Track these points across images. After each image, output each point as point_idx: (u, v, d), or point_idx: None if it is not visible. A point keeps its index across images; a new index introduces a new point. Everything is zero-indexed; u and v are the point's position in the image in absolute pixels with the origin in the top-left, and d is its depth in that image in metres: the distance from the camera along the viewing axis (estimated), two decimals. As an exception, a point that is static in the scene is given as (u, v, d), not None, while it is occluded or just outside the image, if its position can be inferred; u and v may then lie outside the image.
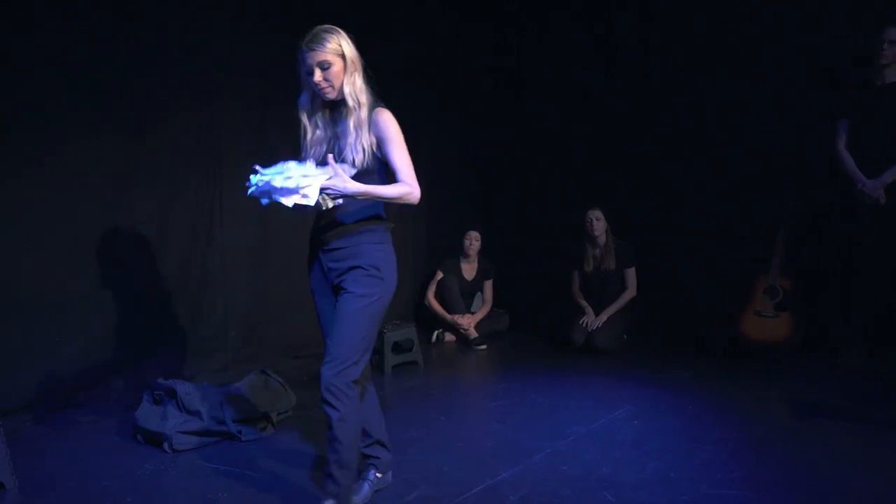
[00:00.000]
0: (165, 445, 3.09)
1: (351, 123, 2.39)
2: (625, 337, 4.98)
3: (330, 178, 2.21)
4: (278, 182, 2.17)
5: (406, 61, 5.42)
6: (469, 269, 5.47)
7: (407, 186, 2.43)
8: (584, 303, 5.01)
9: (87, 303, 3.71)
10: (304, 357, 4.75)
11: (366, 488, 2.64)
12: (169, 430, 3.09)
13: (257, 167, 2.26)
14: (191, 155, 4.17)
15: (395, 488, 2.68)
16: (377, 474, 2.69)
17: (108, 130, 3.79)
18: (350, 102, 2.38)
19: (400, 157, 2.46)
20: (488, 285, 5.47)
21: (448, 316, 5.27)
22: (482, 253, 5.49)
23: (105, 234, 3.78)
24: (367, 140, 2.40)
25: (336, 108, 2.45)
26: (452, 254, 5.49)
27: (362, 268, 2.40)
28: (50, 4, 3.51)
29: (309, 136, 2.47)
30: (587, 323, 4.85)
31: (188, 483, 2.77)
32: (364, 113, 2.40)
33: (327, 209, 2.29)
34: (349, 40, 2.39)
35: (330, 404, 2.35)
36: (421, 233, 5.79)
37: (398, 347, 4.63)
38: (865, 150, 4.07)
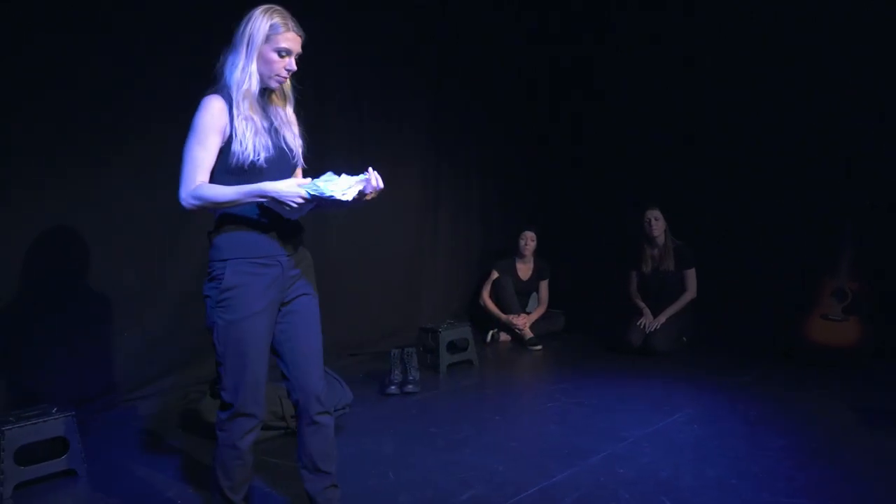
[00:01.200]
0: (227, 438, 3.16)
1: (289, 112, 2.23)
2: (684, 339, 4.88)
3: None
4: (328, 188, 2.03)
5: (465, 62, 5.46)
6: (524, 269, 5.44)
7: None
8: (641, 304, 4.93)
9: (151, 299, 3.83)
10: (360, 355, 4.81)
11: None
12: (230, 423, 3.16)
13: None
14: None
15: (449, 487, 2.69)
16: None
17: (169, 130, 3.90)
18: (287, 91, 2.21)
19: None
20: (544, 285, 5.43)
21: (503, 316, 5.26)
22: (538, 253, 5.46)
23: (166, 234, 3.89)
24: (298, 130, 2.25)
25: (263, 97, 2.18)
26: (508, 254, 5.48)
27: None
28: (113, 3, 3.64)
29: (252, 128, 2.09)
30: (645, 324, 4.78)
31: (248, 476, 2.83)
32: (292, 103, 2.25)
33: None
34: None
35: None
36: (476, 233, 5.79)
37: (453, 346, 4.64)
38: None
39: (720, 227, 5.13)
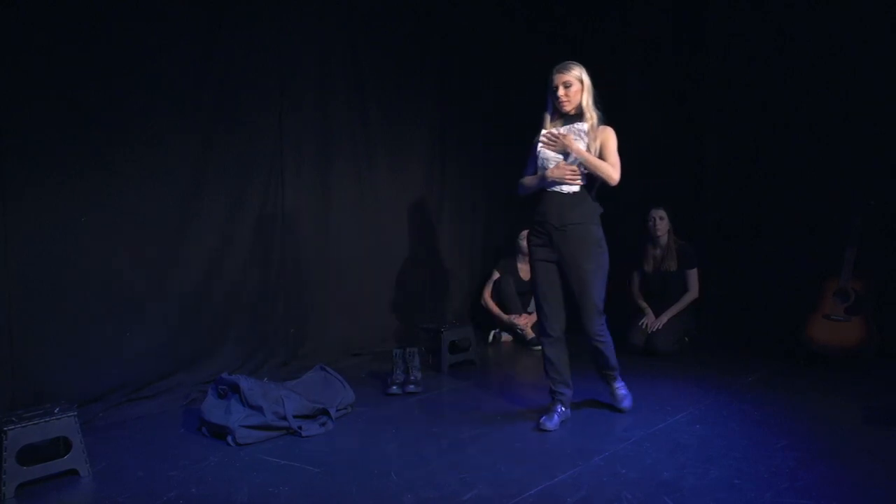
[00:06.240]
0: (229, 439, 3.17)
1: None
2: (686, 339, 4.88)
3: None
4: None
5: (471, 61, 5.46)
6: (526, 269, 5.43)
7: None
8: (643, 304, 4.93)
9: (156, 300, 3.83)
10: (362, 355, 4.81)
11: (556, 419, 3.33)
12: (233, 423, 3.17)
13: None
14: (256, 158, 4.28)
15: (452, 487, 2.68)
16: (562, 408, 3.39)
17: (182, 132, 3.92)
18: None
19: None
20: (546, 285, 5.42)
21: (505, 316, 5.26)
22: (539, 253, 5.44)
23: (173, 234, 3.91)
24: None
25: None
26: (509, 253, 5.48)
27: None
28: (128, 9, 3.66)
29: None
30: (647, 324, 4.77)
31: (250, 476, 2.83)
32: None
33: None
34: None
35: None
36: (477, 232, 5.79)
37: (455, 347, 4.64)
38: None
39: (723, 226, 5.12)
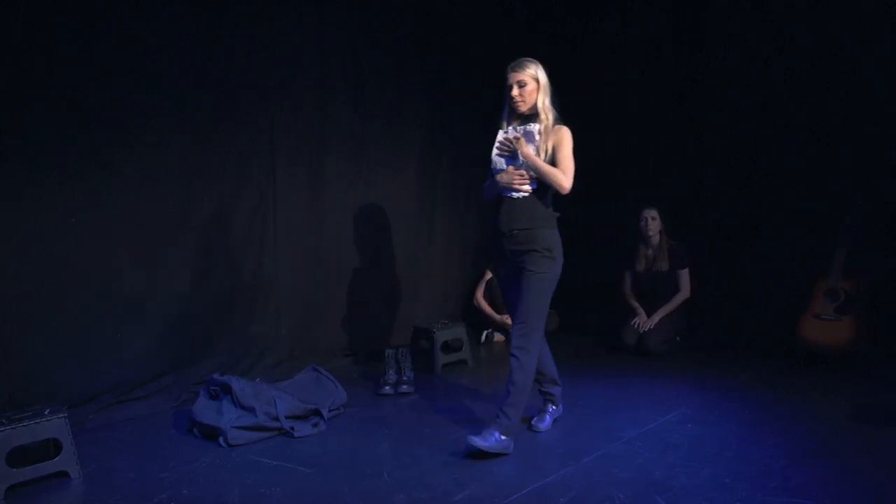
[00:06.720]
0: (221, 440, 3.16)
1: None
2: (678, 339, 4.89)
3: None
4: None
5: (466, 61, 5.45)
6: (518, 269, 5.44)
7: None
8: (635, 304, 4.94)
9: (147, 301, 3.81)
10: (354, 355, 4.81)
11: (547, 419, 3.33)
12: (224, 424, 3.16)
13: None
14: (249, 159, 4.27)
15: (444, 487, 2.69)
16: (553, 407, 3.38)
17: (182, 132, 3.92)
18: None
19: None
20: (538, 285, 5.43)
21: (497, 316, 5.26)
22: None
23: (165, 234, 3.89)
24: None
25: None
26: (502, 253, 5.47)
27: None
28: (128, 9, 3.65)
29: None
30: (639, 324, 4.79)
31: (242, 477, 2.83)
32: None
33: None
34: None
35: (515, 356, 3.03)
36: (470, 233, 5.79)
37: (447, 347, 4.64)
38: None
39: (723, 226, 5.12)
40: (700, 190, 5.23)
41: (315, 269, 4.66)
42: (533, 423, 3.32)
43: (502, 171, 3.11)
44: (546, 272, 3.07)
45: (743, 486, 2.64)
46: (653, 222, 4.86)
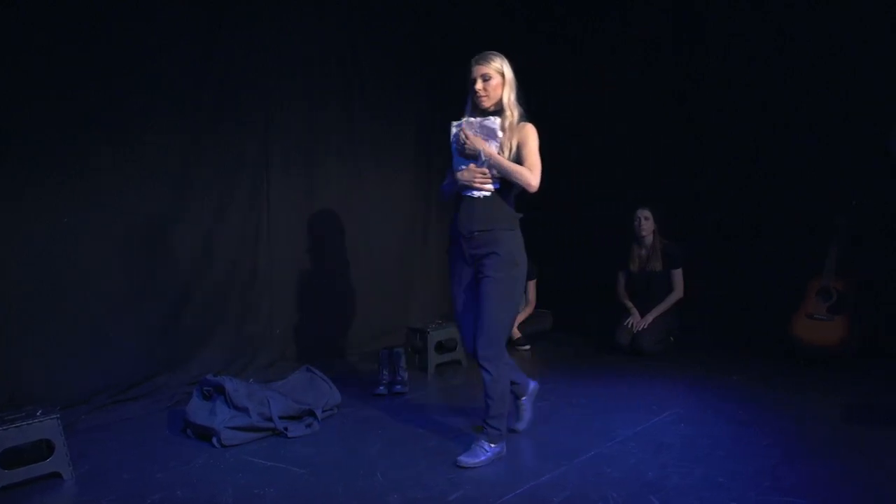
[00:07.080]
0: (214, 440, 3.15)
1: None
2: (671, 339, 4.90)
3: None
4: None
5: (462, 60, 5.44)
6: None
7: None
8: (629, 304, 4.95)
9: (141, 301, 3.80)
10: (348, 356, 4.81)
11: (525, 416, 3.28)
12: (218, 425, 3.15)
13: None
14: (242, 158, 4.26)
15: (438, 487, 2.69)
16: (524, 400, 3.26)
17: (182, 132, 3.92)
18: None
19: None
20: (531, 285, 5.42)
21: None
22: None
23: (159, 234, 3.88)
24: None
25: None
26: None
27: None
28: (128, 9, 3.65)
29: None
30: (632, 324, 4.80)
31: (236, 477, 2.82)
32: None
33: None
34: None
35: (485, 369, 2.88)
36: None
37: (441, 347, 4.64)
38: None
39: (723, 226, 5.13)
40: (699, 190, 5.24)
41: (309, 269, 4.65)
42: (514, 426, 3.25)
43: (462, 169, 2.93)
44: (507, 277, 2.88)
45: (736, 485, 2.65)
46: (646, 222, 4.87)
